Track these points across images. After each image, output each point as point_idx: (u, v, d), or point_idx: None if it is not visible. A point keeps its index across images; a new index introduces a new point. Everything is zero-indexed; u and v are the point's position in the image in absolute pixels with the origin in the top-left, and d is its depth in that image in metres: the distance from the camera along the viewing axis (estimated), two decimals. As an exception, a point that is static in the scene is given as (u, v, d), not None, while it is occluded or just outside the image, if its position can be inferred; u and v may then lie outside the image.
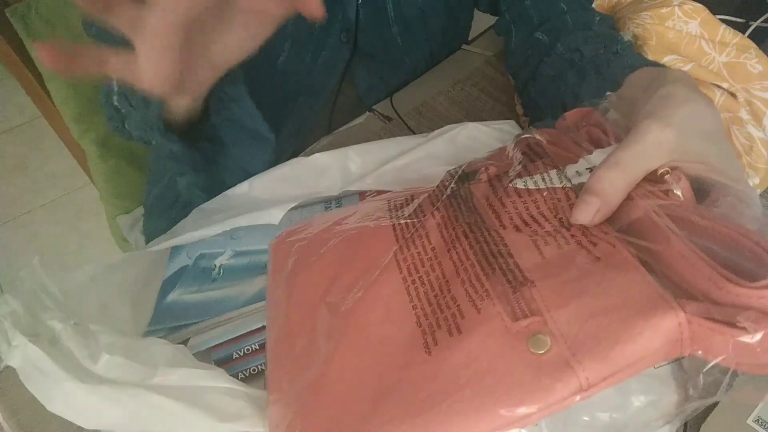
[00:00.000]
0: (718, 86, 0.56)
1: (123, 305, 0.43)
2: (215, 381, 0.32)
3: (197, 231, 0.47)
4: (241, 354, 0.40)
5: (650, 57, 0.56)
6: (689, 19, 0.58)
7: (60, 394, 0.30)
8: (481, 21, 0.75)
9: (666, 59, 0.56)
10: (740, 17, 0.65)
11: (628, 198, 0.32)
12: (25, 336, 0.30)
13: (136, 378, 0.31)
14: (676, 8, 0.57)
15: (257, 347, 0.40)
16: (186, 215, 0.51)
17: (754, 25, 0.64)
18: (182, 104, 0.42)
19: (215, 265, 0.47)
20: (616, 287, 0.28)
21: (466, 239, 0.34)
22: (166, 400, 0.30)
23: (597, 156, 0.35)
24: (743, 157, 0.54)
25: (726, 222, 0.28)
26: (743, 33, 0.59)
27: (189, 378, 0.32)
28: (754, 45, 0.57)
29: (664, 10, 0.58)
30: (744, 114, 0.55)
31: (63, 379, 0.29)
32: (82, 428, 0.32)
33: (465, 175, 0.40)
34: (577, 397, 0.26)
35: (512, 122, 0.53)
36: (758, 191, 0.56)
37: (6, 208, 1.70)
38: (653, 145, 0.32)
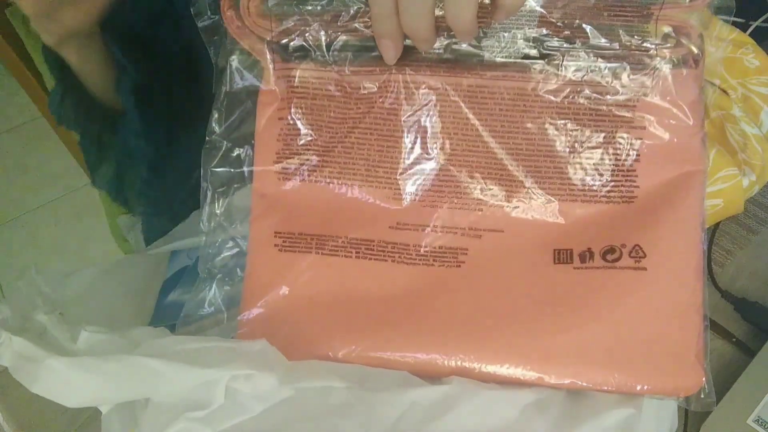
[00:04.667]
0: (711, 83, 0.56)
1: (123, 307, 0.43)
2: (199, 342, 0.32)
3: (197, 237, 0.47)
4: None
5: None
6: (686, 15, 0.58)
7: (42, 372, 0.29)
8: None
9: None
10: (740, 17, 0.65)
11: None
12: (12, 333, 0.30)
13: (112, 349, 0.31)
14: (674, 3, 0.58)
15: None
16: (185, 212, 0.51)
17: (754, 25, 0.64)
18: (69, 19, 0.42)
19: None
20: None
21: None
22: (149, 359, 0.29)
23: None
24: (738, 154, 0.54)
25: None
26: (731, 26, 0.59)
27: (173, 343, 0.31)
28: (751, 41, 0.57)
29: (660, 3, 0.58)
30: (737, 111, 0.55)
31: (44, 358, 0.29)
32: (82, 428, 0.32)
33: None
34: None
35: None
36: (756, 188, 0.56)
37: (6, 208, 1.70)
38: None
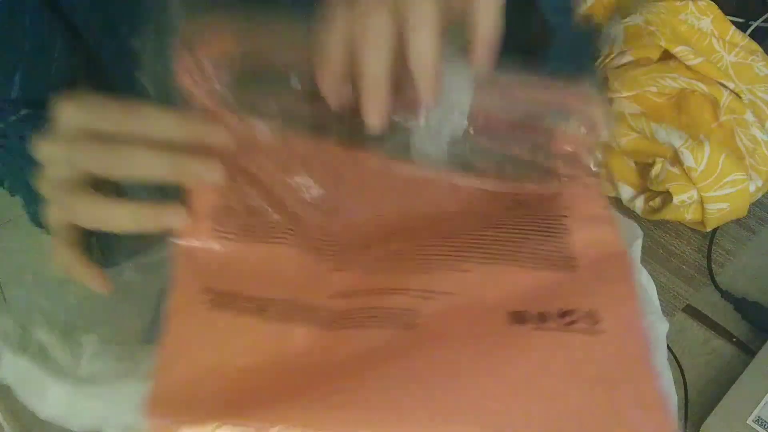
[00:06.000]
0: (725, 86, 0.56)
1: (124, 312, 0.44)
2: None
3: None
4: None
5: (662, 45, 0.57)
6: (702, 15, 0.58)
7: (47, 400, 0.30)
8: None
9: (678, 49, 0.56)
10: (740, 17, 0.65)
11: None
12: (12, 351, 0.31)
13: (116, 373, 0.31)
14: (690, 3, 0.58)
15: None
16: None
17: (754, 25, 0.64)
18: None
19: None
20: None
21: None
22: (143, 384, 0.29)
23: None
24: (746, 159, 0.54)
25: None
26: (743, 32, 0.60)
27: None
28: (761, 49, 0.58)
29: (678, 3, 0.58)
30: (749, 116, 0.55)
31: (48, 385, 0.30)
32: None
33: None
34: None
35: None
36: (760, 194, 0.56)
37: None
38: None
